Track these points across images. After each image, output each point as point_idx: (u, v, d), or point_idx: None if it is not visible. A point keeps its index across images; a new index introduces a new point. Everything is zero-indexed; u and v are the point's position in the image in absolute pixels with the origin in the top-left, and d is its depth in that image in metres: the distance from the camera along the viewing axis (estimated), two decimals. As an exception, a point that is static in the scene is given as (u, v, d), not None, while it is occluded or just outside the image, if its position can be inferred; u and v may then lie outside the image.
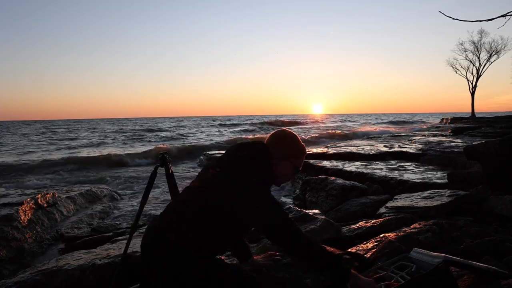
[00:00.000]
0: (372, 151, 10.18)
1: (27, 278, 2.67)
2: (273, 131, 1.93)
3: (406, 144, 12.55)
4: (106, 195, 7.16)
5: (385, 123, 46.52)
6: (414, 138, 16.00)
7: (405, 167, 7.56)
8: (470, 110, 42.71)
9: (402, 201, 4.30)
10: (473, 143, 5.07)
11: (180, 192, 1.90)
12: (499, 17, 2.51)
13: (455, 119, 36.59)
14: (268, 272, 1.99)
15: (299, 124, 47.81)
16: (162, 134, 33.00)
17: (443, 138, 14.79)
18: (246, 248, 2.11)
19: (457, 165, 7.24)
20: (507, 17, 2.53)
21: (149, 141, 26.23)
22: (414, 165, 7.86)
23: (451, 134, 18.76)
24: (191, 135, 31.35)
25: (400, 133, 23.14)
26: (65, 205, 5.76)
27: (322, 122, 54.27)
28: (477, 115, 41.97)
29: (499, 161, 4.16)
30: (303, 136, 22.27)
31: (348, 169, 7.34)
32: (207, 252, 1.75)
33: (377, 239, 2.62)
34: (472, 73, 41.49)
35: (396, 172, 6.96)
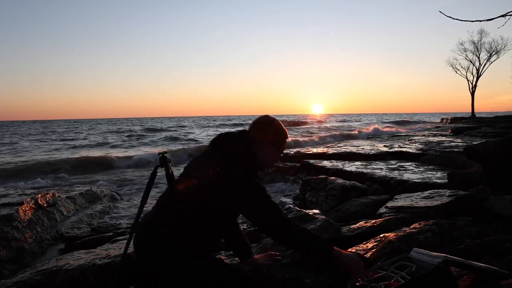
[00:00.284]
0: (372, 151, 10.18)
1: (27, 278, 2.67)
2: (256, 118, 1.94)
3: (406, 144, 12.55)
4: (106, 195, 7.16)
5: (389, 122, 46.19)
6: (414, 138, 16.00)
7: (405, 167, 7.56)
8: (470, 110, 42.72)
9: (402, 201, 4.30)
10: (473, 143, 5.07)
11: (172, 186, 1.88)
12: (499, 17, 2.51)
13: (455, 119, 36.60)
14: (268, 272, 1.99)
15: (304, 124, 47.11)
16: (163, 134, 32.99)
17: (443, 138, 14.79)
18: (246, 247, 2.11)
19: (457, 165, 7.24)
20: (507, 17, 2.53)
21: (150, 141, 26.22)
22: (414, 165, 7.86)
23: (451, 134, 18.76)
24: (191, 134, 31.35)
25: (407, 132, 23.01)
26: (65, 205, 5.76)
27: (326, 122, 54.00)
28: (477, 115, 41.97)
29: (499, 161, 4.16)
30: (314, 138, 21.88)
31: (348, 169, 7.34)
32: (206, 250, 1.75)
33: (377, 239, 2.62)
34: (472, 73, 41.55)
35: (396, 172, 6.96)
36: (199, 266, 1.68)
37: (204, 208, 1.72)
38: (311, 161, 8.72)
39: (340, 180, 5.76)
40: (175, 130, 38.59)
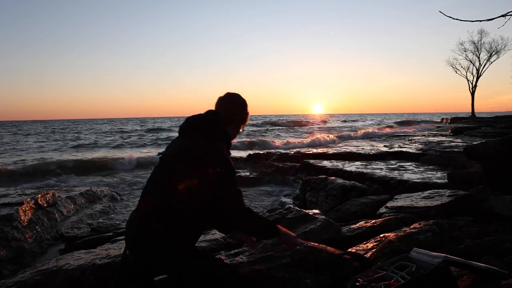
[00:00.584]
0: (372, 151, 10.18)
1: (27, 278, 2.67)
2: (221, 97, 1.95)
3: (406, 144, 12.56)
4: (106, 195, 7.16)
5: (393, 123, 45.76)
6: (414, 138, 16.01)
7: (405, 167, 7.56)
8: (470, 110, 42.72)
9: (402, 201, 4.30)
10: (473, 143, 5.08)
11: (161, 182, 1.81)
12: (499, 17, 2.51)
13: (455, 119, 36.59)
14: (268, 272, 1.99)
15: (308, 124, 46.55)
16: (163, 134, 32.99)
17: (443, 138, 14.80)
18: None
19: (457, 165, 7.25)
20: (507, 17, 2.53)
21: (151, 141, 26.21)
22: (414, 165, 7.86)
23: (451, 134, 18.76)
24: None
25: (414, 132, 22.82)
26: (65, 205, 5.76)
27: (330, 122, 53.68)
28: (477, 115, 41.96)
29: (499, 161, 4.16)
30: (325, 137, 21.60)
31: (348, 169, 7.35)
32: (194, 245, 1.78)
33: (377, 239, 2.62)
34: (472, 73, 41.53)
35: (396, 172, 6.97)
36: (199, 266, 1.68)
37: (205, 208, 1.72)
38: (311, 161, 8.73)
39: (340, 180, 5.76)
40: (175, 130, 38.56)
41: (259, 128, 37.01)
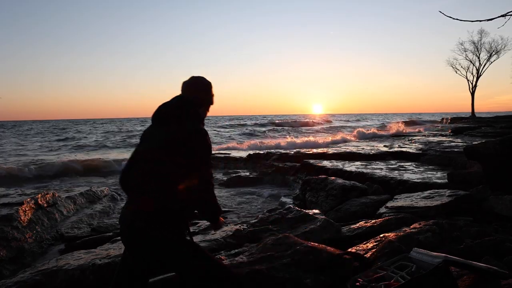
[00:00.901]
0: (372, 151, 10.19)
1: (27, 278, 2.67)
2: (186, 81, 1.94)
3: (406, 144, 12.57)
4: (106, 195, 7.16)
5: (399, 122, 44.98)
6: (414, 138, 16.01)
7: (405, 167, 7.56)
8: (470, 110, 42.71)
9: (402, 201, 4.30)
10: (473, 143, 5.08)
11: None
12: (499, 17, 2.51)
13: (455, 119, 36.59)
14: (268, 272, 1.99)
15: (314, 125, 45.70)
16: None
17: (443, 138, 14.80)
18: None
19: (457, 165, 7.25)
20: (507, 17, 2.53)
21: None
22: (414, 165, 7.86)
23: (451, 134, 18.77)
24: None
25: (423, 132, 22.60)
26: (65, 205, 5.76)
27: (334, 122, 53.26)
28: (477, 115, 41.94)
29: (499, 161, 4.16)
30: (336, 137, 21.09)
31: (348, 169, 7.35)
32: None
33: (377, 239, 2.62)
34: (472, 73, 41.51)
35: (396, 172, 6.97)
36: (199, 266, 1.68)
37: (203, 207, 1.74)
38: (311, 161, 8.72)
39: (340, 180, 5.77)
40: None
41: (263, 129, 36.02)
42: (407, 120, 48.80)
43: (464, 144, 9.11)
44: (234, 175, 9.41)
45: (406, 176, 6.41)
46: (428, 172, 6.83)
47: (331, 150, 11.08)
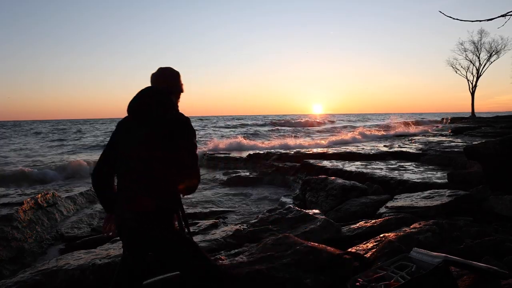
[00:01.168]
0: (372, 151, 10.18)
1: (27, 278, 2.67)
2: (155, 73, 1.95)
3: (406, 144, 12.57)
4: (106, 195, 7.16)
5: (403, 122, 44.36)
6: (414, 138, 16.01)
7: (405, 167, 7.56)
8: (470, 110, 42.70)
9: (402, 201, 4.30)
10: (473, 143, 5.08)
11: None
12: (499, 17, 2.51)
13: (455, 119, 36.58)
14: (268, 272, 1.99)
15: (320, 125, 44.93)
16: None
17: (443, 138, 14.80)
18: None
19: (457, 165, 7.25)
20: (507, 17, 2.52)
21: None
22: (414, 165, 7.86)
23: (451, 134, 18.76)
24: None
25: (430, 131, 22.47)
26: (65, 205, 5.76)
27: (341, 122, 52.85)
28: (477, 115, 41.91)
29: (499, 161, 4.16)
30: (347, 136, 20.60)
31: (348, 169, 7.35)
32: None
33: (377, 239, 2.62)
34: (472, 73, 41.47)
35: (396, 172, 6.97)
36: (199, 266, 1.68)
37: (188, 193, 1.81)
38: (311, 161, 8.72)
39: (340, 180, 5.77)
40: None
41: (270, 131, 35.06)
42: (414, 120, 48.51)
43: (464, 144, 9.11)
44: (234, 175, 9.41)
45: (406, 176, 6.41)
46: (428, 172, 6.83)
47: (331, 150, 11.08)
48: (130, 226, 1.69)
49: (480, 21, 2.59)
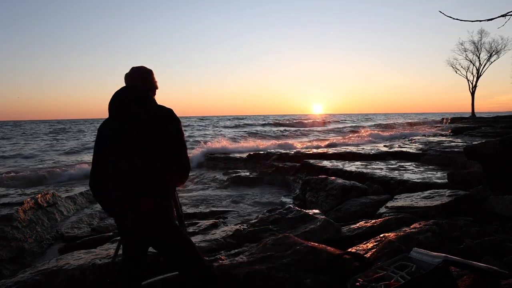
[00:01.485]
0: (372, 151, 10.18)
1: (27, 278, 2.67)
2: (128, 72, 1.96)
3: (406, 144, 12.56)
4: (106, 195, 7.16)
5: (406, 122, 44.13)
6: (414, 138, 16.01)
7: (405, 167, 7.56)
8: (470, 110, 42.71)
9: (402, 201, 4.30)
10: (473, 143, 5.07)
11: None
12: (499, 17, 2.51)
13: (455, 119, 36.58)
14: (268, 272, 1.99)
15: (323, 125, 44.39)
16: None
17: (443, 138, 14.79)
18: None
19: (457, 165, 7.25)
20: (507, 17, 2.52)
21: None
22: (414, 165, 7.86)
23: (451, 134, 18.76)
24: (191, 136, 31.19)
25: (440, 132, 22.45)
26: (65, 205, 5.76)
27: (342, 122, 52.67)
28: (477, 115, 41.93)
29: (499, 161, 4.16)
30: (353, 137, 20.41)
31: (348, 169, 7.34)
32: None
33: (377, 239, 2.62)
34: (472, 73, 41.47)
35: (396, 172, 6.96)
36: (199, 266, 1.69)
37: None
38: (311, 161, 8.72)
39: (340, 180, 5.77)
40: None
41: (273, 133, 34.64)
42: (417, 120, 48.20)
43: (464, 144, 9.11)
44: (234, 175, 9.41)
45: (406, 176, 6.41)
46: (428, 172, 6.83)
47: (331, 150, 11.08)
48: (130, 226, 1.69)
49: (480, 21, 2.59)
